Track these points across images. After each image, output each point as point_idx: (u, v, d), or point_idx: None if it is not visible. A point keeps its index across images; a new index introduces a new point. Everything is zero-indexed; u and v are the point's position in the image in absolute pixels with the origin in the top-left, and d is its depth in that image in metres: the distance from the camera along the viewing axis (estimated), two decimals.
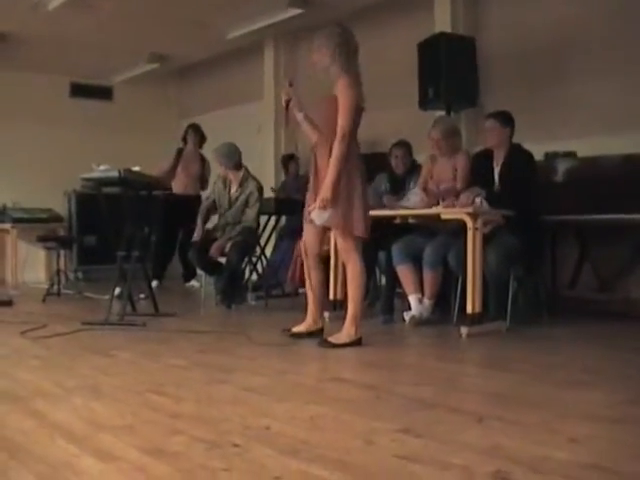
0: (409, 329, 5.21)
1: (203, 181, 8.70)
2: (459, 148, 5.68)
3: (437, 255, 5.23)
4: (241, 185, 6.74)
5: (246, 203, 6.67)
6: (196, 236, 6.80)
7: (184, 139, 8.76)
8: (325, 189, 4.29)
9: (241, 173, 6.77)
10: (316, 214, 4.32)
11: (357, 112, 4.38)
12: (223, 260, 6.62)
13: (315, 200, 4.37)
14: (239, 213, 6.69)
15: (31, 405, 3.00)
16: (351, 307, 4.45)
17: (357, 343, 4.42)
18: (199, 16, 8.17)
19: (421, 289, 5.41)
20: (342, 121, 4.30)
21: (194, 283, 8.64)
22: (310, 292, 4.70)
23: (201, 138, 8.71)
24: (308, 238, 4.67)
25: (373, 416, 2.79)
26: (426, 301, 5.37)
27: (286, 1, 7.75)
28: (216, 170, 7.36)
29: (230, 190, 6.79)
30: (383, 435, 2.51)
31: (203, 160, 8.68)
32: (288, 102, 4.56)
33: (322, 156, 4.46)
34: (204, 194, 8.15)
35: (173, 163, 8.58)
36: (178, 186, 8.54)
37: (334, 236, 4.49)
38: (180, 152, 8.71)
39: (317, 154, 4.53)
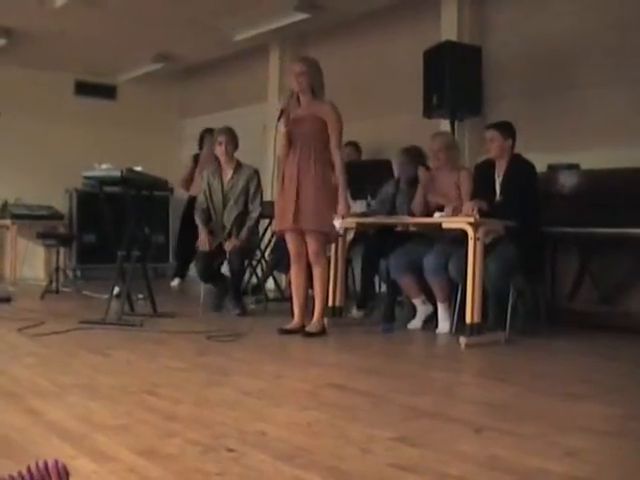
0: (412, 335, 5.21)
1: None
2: (458, 163, 5.66)
3: (439, 264, 5.22)
4: (235, 172, 6.50)
5: (246, 192, 6.42)
6: (203, 244, 6.46)
7: (200, 144, 8.83)
8: (343, 201, 5.01)
9: (235, 161, 6.57)
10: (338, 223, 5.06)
11: None
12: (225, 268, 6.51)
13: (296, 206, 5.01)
14: (238, 202, 6.43)
15: (26, 402, 2.99)
16: (319, 302, 5.12)
17: (323, 332, 5.06)
18: (206, 17, 8.17)
19: (425, 295, 5.46)
20: (339, 140, 5.07)
21: (175, 283, 8.76)
22: (298, 294, 5.24)
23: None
24: (297, 244, 5.17)
25: (369, 423, 2.78)
26: (440, 305, 5.35)
27: (293, 5, 7.75)
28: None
29: (223, 180, 6.53)
30: (379, 443, 2.49)
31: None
32: (282, 112, 5.07)
33: (295, 166, 5.04)
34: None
35: (191, 169, 8.71)
36: (196, 189, 8.52)
37: (311, 240, 5.05)
38: (196, 157, 8.79)
39: (290, 164, 5.08)
